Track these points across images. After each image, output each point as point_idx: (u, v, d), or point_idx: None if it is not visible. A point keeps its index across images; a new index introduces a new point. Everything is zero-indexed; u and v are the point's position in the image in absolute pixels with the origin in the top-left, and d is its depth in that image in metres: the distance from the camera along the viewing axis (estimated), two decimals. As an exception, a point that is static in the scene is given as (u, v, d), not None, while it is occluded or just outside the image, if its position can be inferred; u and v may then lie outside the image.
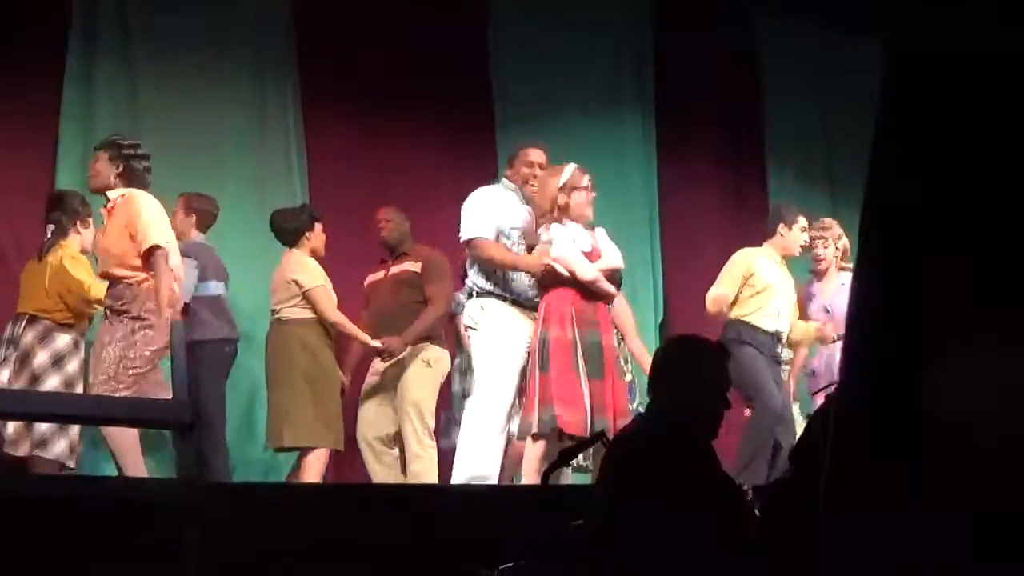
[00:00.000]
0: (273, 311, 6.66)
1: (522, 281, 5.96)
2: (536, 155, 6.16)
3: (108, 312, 5.63)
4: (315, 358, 6.51)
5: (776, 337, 6.80)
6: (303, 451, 6.51)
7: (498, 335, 5.91)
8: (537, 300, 5.85)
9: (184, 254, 6.28)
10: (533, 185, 6.05)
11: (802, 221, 6.98)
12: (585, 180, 5.84)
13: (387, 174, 7.74)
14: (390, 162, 7.78)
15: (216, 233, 6.98)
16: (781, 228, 6.94)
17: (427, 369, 6.61)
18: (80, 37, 7.14)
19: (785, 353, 7.20)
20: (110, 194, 5.67)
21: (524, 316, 5.95)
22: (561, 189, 5.78)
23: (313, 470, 6.44)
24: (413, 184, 7.64)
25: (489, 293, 5.98)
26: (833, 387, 5.55)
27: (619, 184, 8.25)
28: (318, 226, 6.77)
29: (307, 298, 6.54)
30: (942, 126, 1.33)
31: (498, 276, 6.00)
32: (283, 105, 7.63)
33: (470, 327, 6.01)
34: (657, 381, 3.75)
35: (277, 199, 7.37)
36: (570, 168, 5.86)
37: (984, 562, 1.29)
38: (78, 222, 6.19)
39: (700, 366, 3.68)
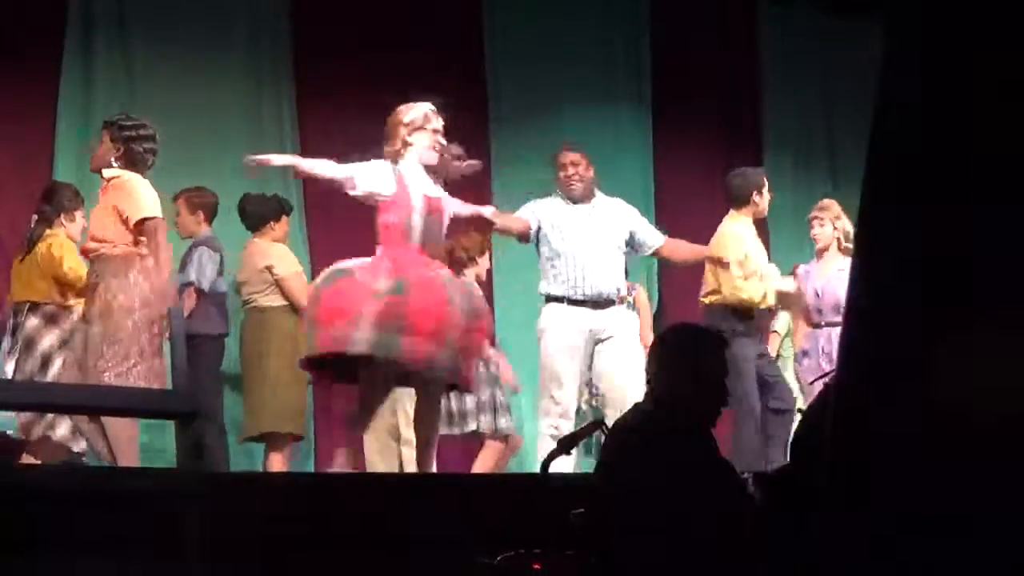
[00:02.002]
0: (246, 300, 6.66)
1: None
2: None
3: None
4: (295, 346, 6.54)
5: (766, 311, 6.81)
6: (272, 441, 6.55)
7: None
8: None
9: (207, 245, 6.49)
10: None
11: (766, 183, 6.87)
12: (435, 122, 5.66)
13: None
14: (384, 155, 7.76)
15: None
16: (755, 195, 6.79)
17: None
18: (77, 27, 7.14)
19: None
20: (106, 172, 5.60)
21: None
22: (406, 126, 5.64)
23: (279, 459, 6.51)
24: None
25: None
26: (830, 376, 5.56)
27: (614, 171, 8.23)
28: (284, 218, 6.79)
29: (281, 285, 6.55)
30: (942, 110, 1.33)
31: None
32: (278, 96, 7.65)
33: None
34: (655, 370, 3.75)
35: (272, 191, 7.37)
36: (421, 106, 5.66)
37: (985, 552, 1.29)
38: (63, 214, 6.19)
39: (698, 355, 3.68)
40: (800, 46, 9.12)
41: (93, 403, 4.53)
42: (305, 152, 7.67)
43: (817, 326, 6.85)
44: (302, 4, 7.73)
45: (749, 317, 6.68)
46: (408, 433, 6.60)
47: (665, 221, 8.65)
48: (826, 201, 7.07)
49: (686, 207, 8.64)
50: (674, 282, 8.52)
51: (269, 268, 6.57)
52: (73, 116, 6.93)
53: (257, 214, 6.75)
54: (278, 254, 6.63)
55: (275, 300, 6.57)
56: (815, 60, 9.15)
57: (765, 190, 6.80)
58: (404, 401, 6.62)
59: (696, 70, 8.73)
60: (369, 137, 7.80)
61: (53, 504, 4.01)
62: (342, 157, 7.71)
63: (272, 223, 6.73)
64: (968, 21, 1.33)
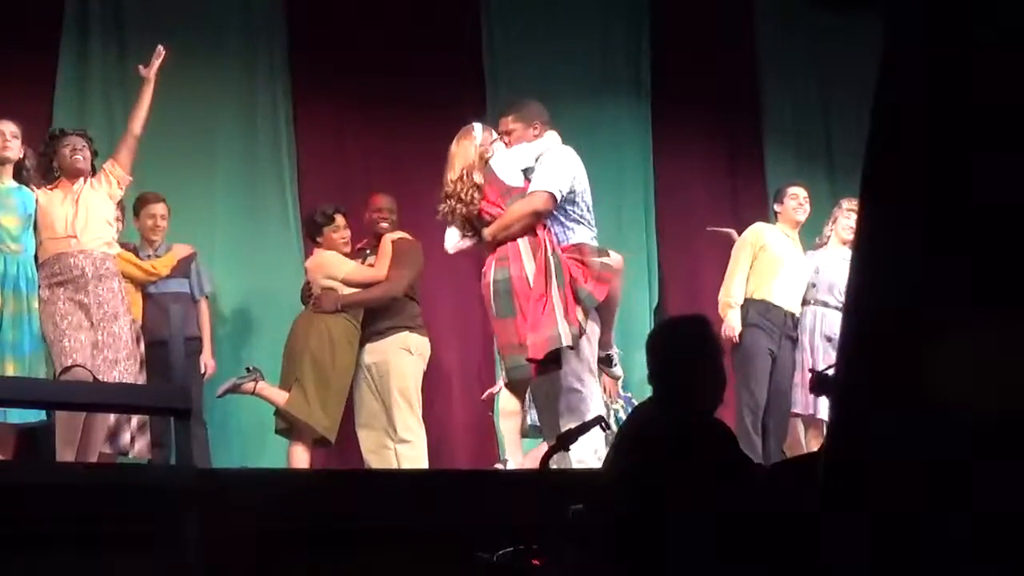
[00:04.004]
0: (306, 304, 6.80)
1: None
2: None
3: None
4: (333, 350, 6.55)
5: (789, 315, 6.87)
6: (291, 441, 6.58)
7: None
8: None
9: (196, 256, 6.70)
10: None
11: (793, 191, 7.19)
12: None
13: (378, 165, 7.73)
14: (381, 153, 7.76)
15: (204, 226, 7.06)
16: (775, 205, 7.25)
17: (408, 355, 6.70)
18: (73, 27, 7.14)
19: None
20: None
21: None
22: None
23: (299, 460, 6.53)
24: (405, 174, 7.61)
25: None
26: (827, 369, 5.58)
27: (614, 166, 8.24)
28: (334, 223, 6.79)
29: (348, 284, 6.65)
30: (941, 107, 1.33)
31: None
32: (273, 98, 7.62)
33: None
34: (654, 366, 3.75)
35: (267, 193, 7.40)
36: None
37: (983, 548, 1.29)
38: None
39: (692, 342, 3.70)
40: (798, 41, 9.10)
41: (93, 399, 4.54)
42: (301, 149, 7.68)
43: (805, 303, 6.98)
44: (298, 2, 7.72)
45: (767, 311, 6.79)
46: (405, 433, 6.63)
47: (664, 216, 8.66)
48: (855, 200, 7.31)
49: (686, 202, 8.64)
50: (673, 272, 8.53)
51: (333, 279, 6.65)
52: (69, 116, 6.91)
53: (308, 225, 6.92)
54: (335, 266, 6.72)
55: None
56: (814, 56, 9.14)
57: (787, 199, 7.15)
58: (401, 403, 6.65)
59: (696, 66, 8.72)
60: (365, 136, 7.82)
61: (53, 501, 4.01)
62: (337, 156, 7.75)
63: (324, 230, 6.79)
64: (969, 18, 1.33)
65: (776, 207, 7.22)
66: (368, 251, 6.93)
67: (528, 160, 5.67)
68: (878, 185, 1.38)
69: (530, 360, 5.42)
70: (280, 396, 6.51)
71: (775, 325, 6.84)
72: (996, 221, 1.28)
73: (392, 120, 7.78)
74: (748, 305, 6.86)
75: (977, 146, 1.30)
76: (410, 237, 6.83)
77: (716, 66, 8.81)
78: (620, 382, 6.79)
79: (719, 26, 8.89)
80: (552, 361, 5.43)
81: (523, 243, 5.51)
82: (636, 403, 6.89)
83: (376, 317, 6.71)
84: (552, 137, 5.80)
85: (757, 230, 7.09)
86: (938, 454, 1.31)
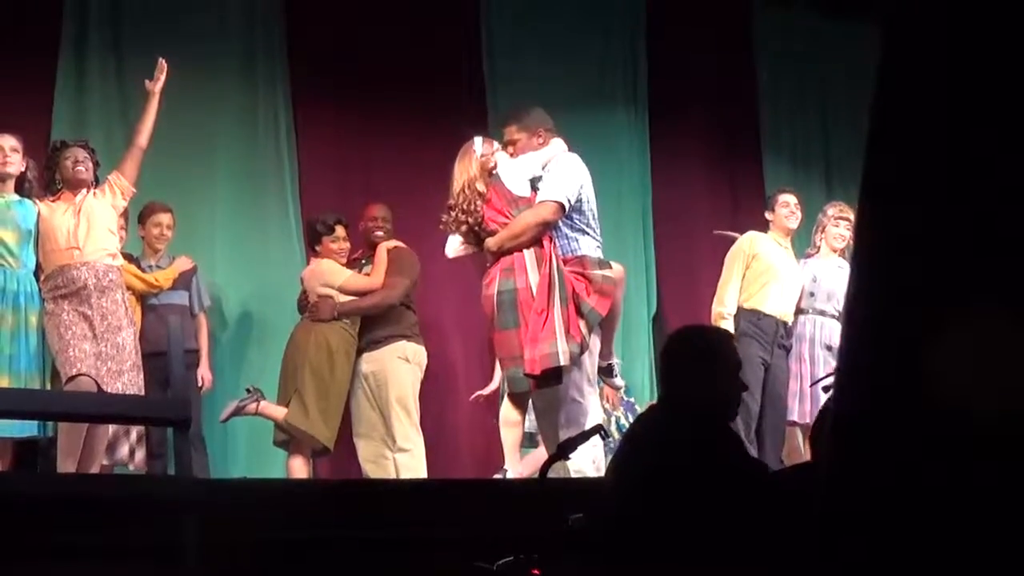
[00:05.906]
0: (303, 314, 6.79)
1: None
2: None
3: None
4: (331, 360, 6.55)
5: (781, 323, 6.88)
6: (290, 453, 6.58)
7: None
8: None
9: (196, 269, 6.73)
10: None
11: (784, 198, 7.19)
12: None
13: (379, 172, 7.73)
14: (382, 160, 7.77)
15: (205, 234, 7.07)
16: (767, 213, 7.23)
17: (406, 364, 6.70)
18: (72, 36, 7.13)
19: None
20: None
21: None
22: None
23: (298, 472, 6.52)
24: (405, 182, 7.62)
25: None
26: (830, 378, 5.57)
27: (612, 176, 8.24)
28: (334, 233, 6.79)
29: (345, 292, 6.65)
30: (940, 109, 1.34)
31: None
32: (274, 106, 7.61)
33: None
34: (671, 372, 3.75)
35: (268, 201, 7.38)
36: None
37: (984, 547, 1.29)
38: None
39: (712, 351, 3.70)
40: (796, 48, 9.12)
41: (92, 410, 4.54)
42: (302, 157, 7.69)
43: (803, 312, 6.99)
44: (297, 7, 7.72)
45: (758, 320, 6.80)
46: (403, 443, 6.63)
47: (663, 226, 8.66)
48: (845, 205, 7.30)
49: (684, 212, 8.64)
50: (671, 280, 8.54)
51: (329, 287, 6.66)
52: (68, 126, 6.92)
53: (310, 234, 6.93)
54: (332, 274, 6.72)
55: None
56: (811, 62, 9.15)
57: (778, 207, 7.15)
58: (399, 410, 6.65)
59: (693, 73, 8.74)
60: (366, 144, 7.83)
61: (53, 511, 4.01)
62: (339, 164, 7.76)
63: (316, 246, 6.84)
64: (968, 20, 1.34)
65: (768, 215, 7.19)
66: (364, 261, 6.93)
67: (535, 169, 5.64)
68: (878, 185, 1.39)
69: (527, 375, 5.41)
70: (282, 412, 6.51)
71: (767, 334, 6.84)
72: (996, 221, 1.28)
73: (393, 127, 7.78)
74: (740, 314, 6.85)
75: (977, 145, 1.30)
76: (405, 246, 6.84)
77: (714, 77, 8.82)
78: (622, 391, 6.79)
79: (716, 34, 8.90)
80: (550, 377, 5.42)
81: (528, 254, 5.49)
82: (638, 409, 6.89)
83: (373, 326, 6.71)
84: (558, 144, 5.76)
85: (750, 239, 7.08)
86: (938, 454, 1.31)
